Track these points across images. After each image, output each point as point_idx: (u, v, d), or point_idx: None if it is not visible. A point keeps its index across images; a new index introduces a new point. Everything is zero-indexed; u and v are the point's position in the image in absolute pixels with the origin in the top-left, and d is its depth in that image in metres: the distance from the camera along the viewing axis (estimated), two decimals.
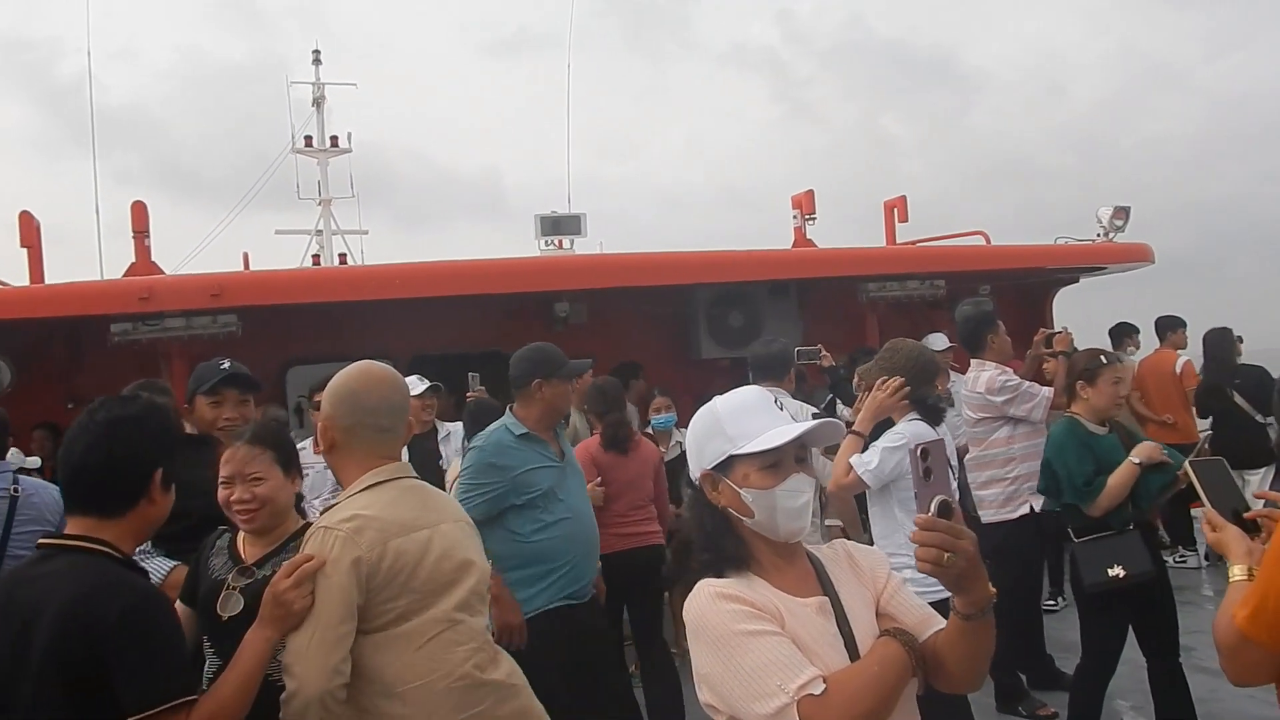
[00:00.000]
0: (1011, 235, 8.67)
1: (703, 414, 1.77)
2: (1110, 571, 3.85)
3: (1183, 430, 7.83)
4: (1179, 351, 8.53)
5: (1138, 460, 3.89)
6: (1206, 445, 7.85)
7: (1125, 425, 4.42)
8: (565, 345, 7.12)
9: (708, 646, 1.60)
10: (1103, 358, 4.22)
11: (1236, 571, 1.97)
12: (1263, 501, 2.18)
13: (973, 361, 5.27)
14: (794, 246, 8.20)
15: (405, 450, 5.17)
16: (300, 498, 2.63)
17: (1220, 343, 7.42)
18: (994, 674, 4.98)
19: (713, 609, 1.61)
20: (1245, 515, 2.09)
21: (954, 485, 3.76)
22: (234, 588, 2.35)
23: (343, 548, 2.18)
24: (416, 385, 5.51)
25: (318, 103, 15.60)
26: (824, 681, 1.54)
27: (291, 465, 2.52)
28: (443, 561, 2.32)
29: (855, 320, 7.52)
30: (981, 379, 5.13)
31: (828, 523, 4.83)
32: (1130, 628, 4.04)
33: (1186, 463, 2.36)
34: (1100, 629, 4.06)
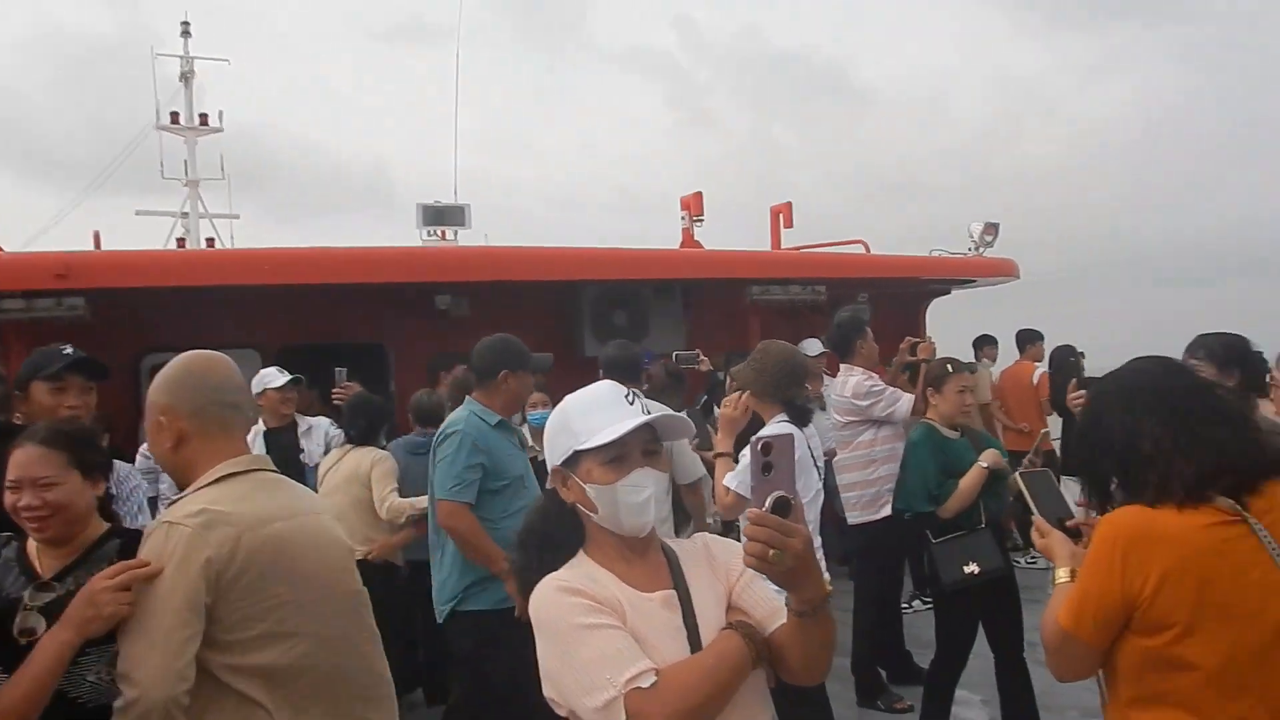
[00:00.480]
0: (894, 249, 8.93)
1: (556, 411, 1.78)
2: (966, 569, 4.03)
3: (1038, 437, 8.20)
4: (1036, 364, 8.98)
5: (985, 464, 4.09)
6: (1055, 451, 8.28)
7: (975, 430, 4.61)
8: (446, 340, 7.00)
9: (547, 640, 1.62)
10: (949, 366, 4.43)
11: (1061, 574, 2.07)
12: (1084, 510, 2.32)
13: (841, 366, 5.39)
14: (681, 247, 8.19)
15: (262, 444, 4.96)
16: (110, 499, 2.42)
17: (1065, 359, 7.86)
18: (855, 669, 5.17)
19: (553, 602, 1.62)
20: (1067, 524, 2.22)
21: (817, 483, 3.86)
22: (31, 606, 2.07)
23: (189, 545, 1.98)
24: (276, 377, 5.34)
25: (185, 78, 14.82)
26: (657, 675, 1.54)
27: (92, 468, 2.27)
28: (310, 563, 2.15)
29: (739, 323, 7.58)
30: (849, 383, 5.26)
31: (708, 519, 4.85)
32: (981, 624, 4.23)
33: (1017, 474, 2.48)
34: (953, 625, 4.25)
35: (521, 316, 7.48)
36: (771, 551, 1.41)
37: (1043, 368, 9.02)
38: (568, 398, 1.77)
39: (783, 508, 1.42)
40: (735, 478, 3.75)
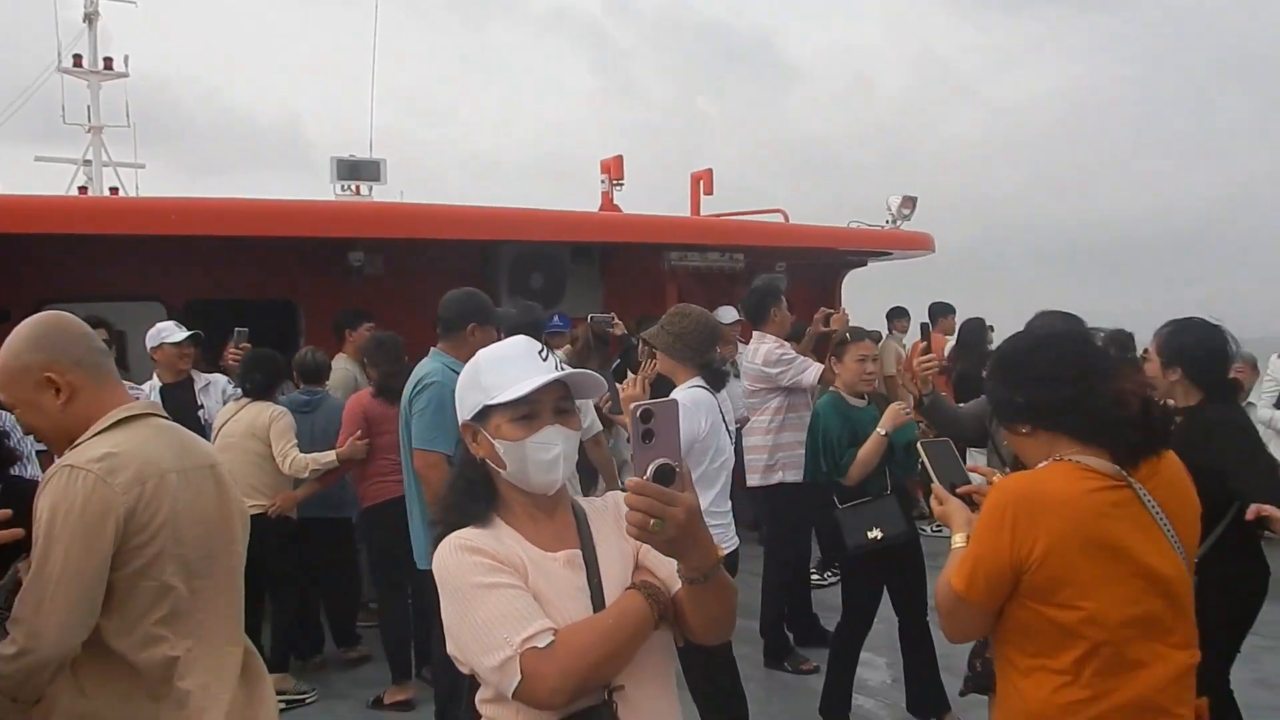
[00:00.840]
0: (813, 222, 9.02)
1: (468, 365, 1.75)
2: (870, 534, 4.11)
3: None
4: (947, 337, 9.21)
5: (883, 431, 4.12)
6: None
7: (887, 398, 4.66)
8: (360, 298, 6.89)
9: (448, 599, 1.60)
10: (848, 335, 4.49)
11: (957, 540, 2.11)
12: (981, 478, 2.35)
13: (754, 334, 5.44)
14: (601, 211, 8.16)
15: (159, 400, 4.85)
16: (4, 435, 2.34)
17: (975, 331, 8.05)
18: (763, 632, 5.27)
19: (454, 561, 1.61)
20: (959, 491, 2.27)
21: (728, 448, 3.86)
22: None
23: (94, 489, 1.92)
24: (174, 332, 5.19)
25: (90, 19, 14.14)
26: (554, 635, 1.54)
27: None
28: (200, 515, 2.10)
29: (656, 288, 7.59)
30: (760, 351, 5.32)
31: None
32: (885, 589, 4.34)
33: (919, 443, 2.54)
34: (859, 589, 4.35)
35: (437, 276, 7.38)
36: (652, 521, 1.39)
37: (954, 340, 9.27)
38: (480, 352, 1.75)
39: (665, 476, 1.40)
40: None
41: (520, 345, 1.72)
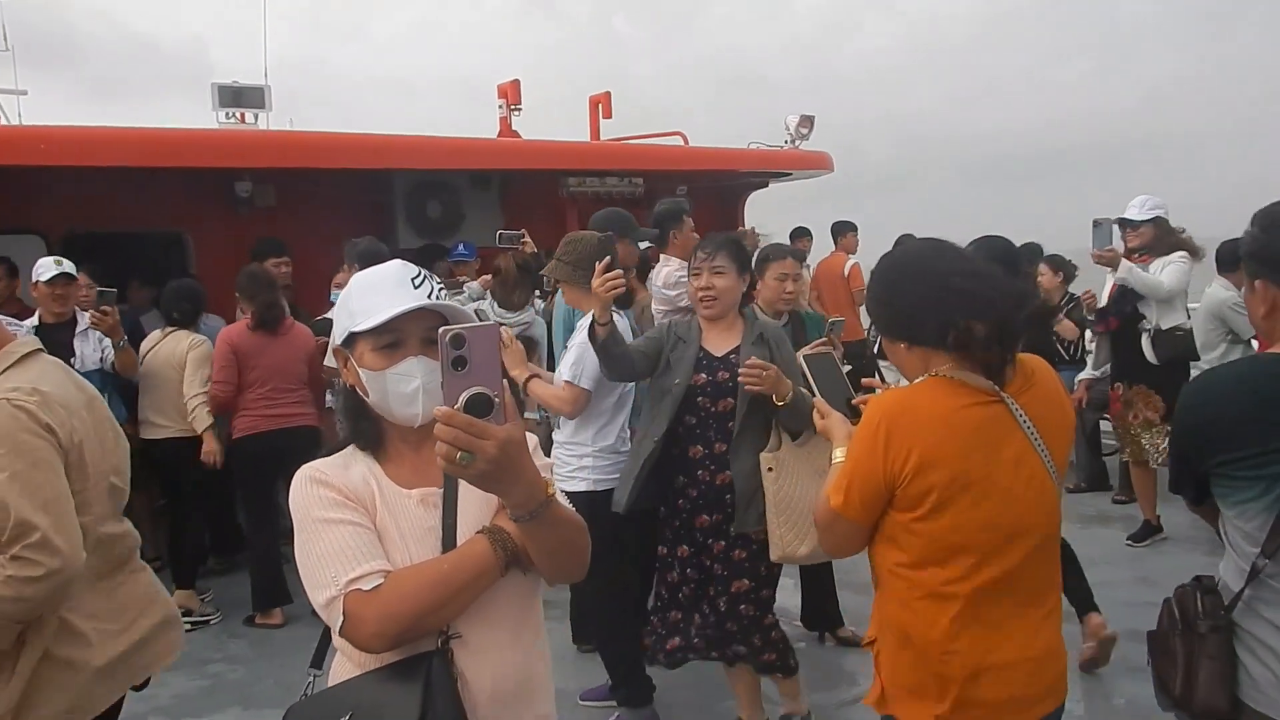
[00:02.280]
0: (726, 143, 9.01)
1: (345, 288, 1.69)
2: None
3: (849, 329, 8.66)
4: (849, 255, 9.41)
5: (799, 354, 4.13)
6: (868, 339, 8.78)
7: (811, 315, 4.62)
8: (251, 229, 6.77)
9: (297, 530, 1.58)
10: (769, 253, 4.41)
11: (837, 454, 2.10)
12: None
13: (660, 256, 5.47)
14: (499, 137, 8.09)
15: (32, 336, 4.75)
16: None
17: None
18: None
19: (302, 492, 1.58)
20: (853, 402, 2.29)
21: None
22: None
23: (39, 418, 1.96)
24: (47, 269, 5.00)
25: None
26: (384, 578, 1.50)
27: None
28: (110, 443, 2.21)
29: (556, 215, 7.57)
30: (661, 274, 5.33)
31: (527, 415, 4.77)
32: None
33: (800, 355, 2.53)
34: None
35: (332, 206, 7.31)
36: (459, 454, 1.30)
37: (854, 259, 9.46)
38: (355, 275, 1.68)
39: (480, 406, 1.30)
40: (568, 369, 3.70)
41: (392, 270, 1.62)
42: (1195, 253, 5.64)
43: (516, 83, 8.10)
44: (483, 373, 1.31)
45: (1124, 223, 5.68)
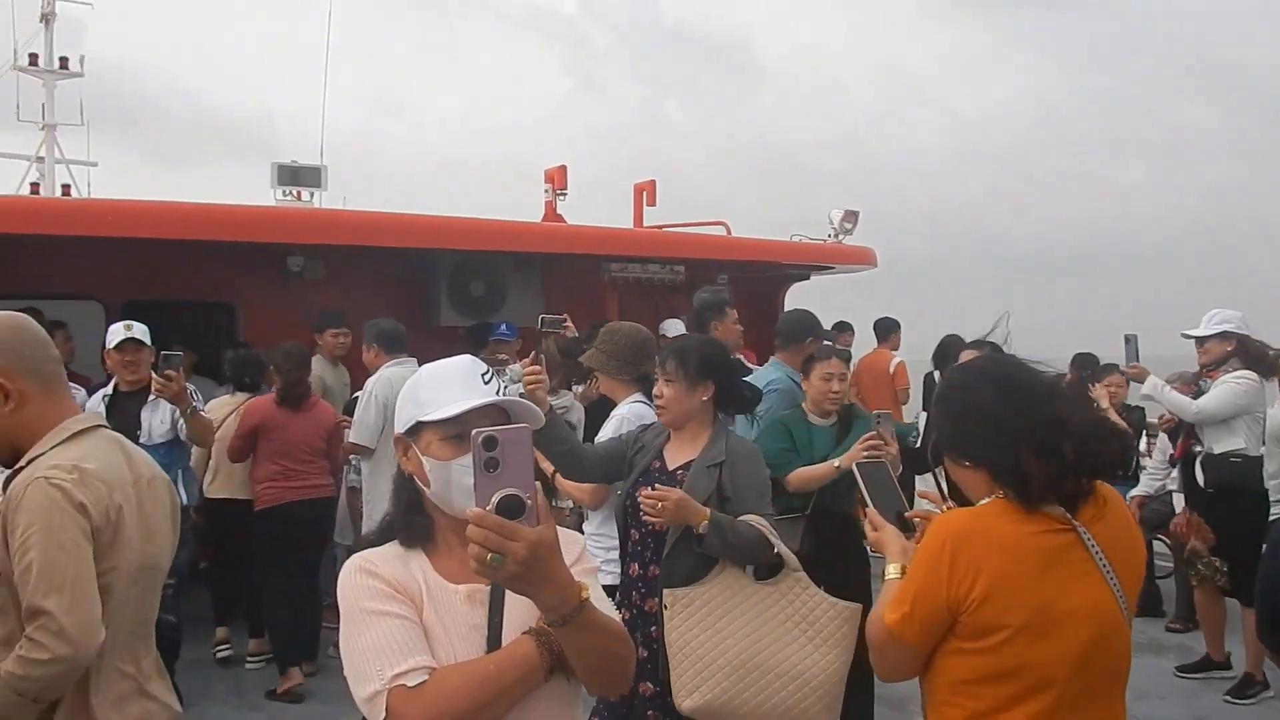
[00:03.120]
0: (770, 232, 9.05)
1: (411, 378, 1.73)
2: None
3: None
4: (893, 352, 9.35)
5: (837, 464, 3.92)
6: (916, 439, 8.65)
7: (860, 417, 4.38)
8: (301, 302, 6.93)
9: (343, 620, 1.58)
10: (815, 352, 4.33)
11: (891, 570, 2.01)
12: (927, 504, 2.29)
13: None
14: (544, 220, 8.26)
15: (101, 408, 4.81)
16: None
17: (951, 347, 8.07)
18: None
19: (351, 583, 1.59)
20: (905, 515, 2.19)
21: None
22: None
23: (73, 500, 1.95)
24: (116, 334, 4.81)
25: (46, 19, 14.07)
26: (428, 675, 1.48)
27: None
28: (156, 530, 2.18)
29: (597, 299, 7.68)
30: None
31: (558, 504, 4.62)
32: None
33: (854, 465, 2.45)
34: None
35: (378, 282, 7.49)
36: (490, 555, 1.31)
37: (899, 357, 9.39)
38: (423, 367, 1.72)
39: (511, 508, 1.31)
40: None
41: (463, 364, 1.67)
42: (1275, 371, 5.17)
43: (563, 168, 8.29)
44: (515, 474, 1.32)
45: (1192, 338, 5.28)
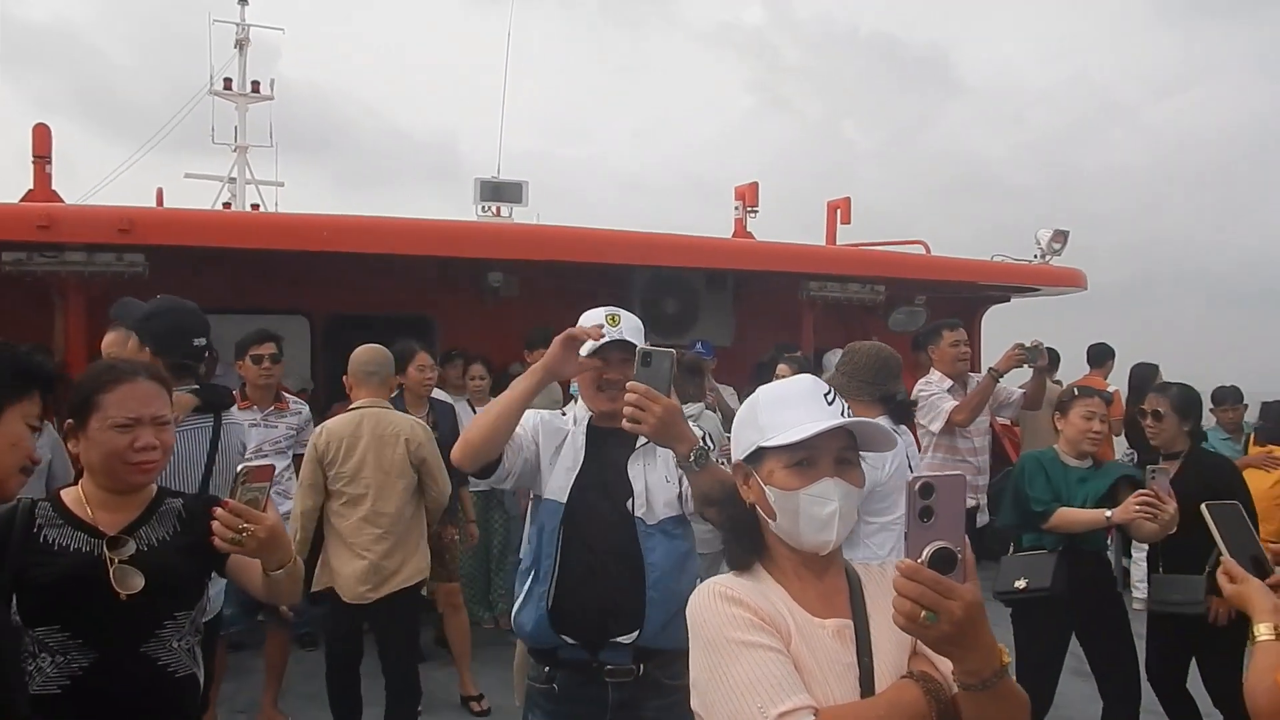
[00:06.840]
0: (960, 250, 8.70)
1: (747, 401, 1.64)
2: (1017, 583, 3.87)
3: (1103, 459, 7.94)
4: (1107, 380, 8.69)
5: (1109, 515, 3.73)
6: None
7: (1114, 465, 4.27)
8: (495, 318, 6.93)
9: (701, 649, 1.47)
10: (1076, 390, 4.20)
11: (1263, 630, 1.83)
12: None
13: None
14: (734, 237, 8.06)
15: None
16: None
17: (1147, 378, 7.49)
18: None
19: (712, 610, 1.48)
20: (1263, 561, 1.96)
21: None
22: (118, 560, 1.93)
23: None
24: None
25: (240, 44, 14.91)
26: (814, 715, 1.38)
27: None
28: None
29: (789, 318, 7.41)
30: (915, 387, 5.30)
31: None
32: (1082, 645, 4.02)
33: (1203, 506, 2.22)
34: (1026, 636, 3.98)
35: (570, 298, 7.40)
36: (923, 613, 1.22)
37: (1115, 385, 8.74)
38: (761, 388, 1.63)
39: (945, 561, 1.23)
40: None
41: (805, 384, 1.59)
42: None
43: (755, 185, 8.10)
44: (949, 525, 1.25)
45: None
